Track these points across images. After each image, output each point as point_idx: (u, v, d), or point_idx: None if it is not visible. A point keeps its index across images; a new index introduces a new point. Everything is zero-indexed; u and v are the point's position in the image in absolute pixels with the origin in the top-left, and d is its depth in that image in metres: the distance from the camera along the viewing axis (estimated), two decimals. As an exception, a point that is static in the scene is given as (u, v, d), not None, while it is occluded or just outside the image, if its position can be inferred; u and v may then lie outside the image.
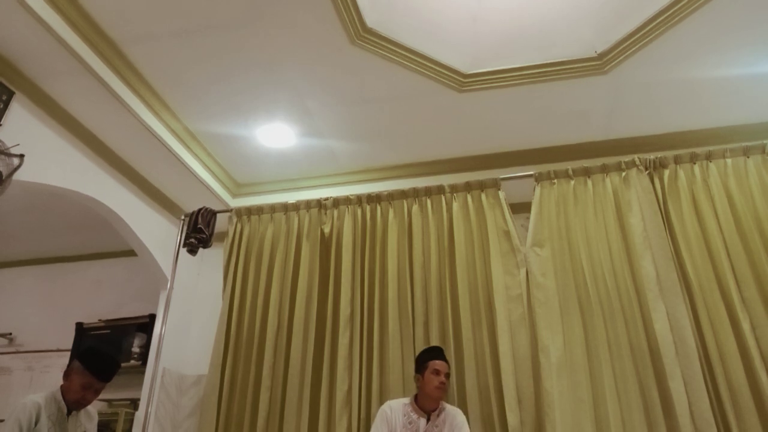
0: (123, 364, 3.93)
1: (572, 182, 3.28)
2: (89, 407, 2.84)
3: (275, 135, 3.88)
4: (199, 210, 3.68)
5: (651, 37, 3.08)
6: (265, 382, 3.20)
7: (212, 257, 4.30)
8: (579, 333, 2.93)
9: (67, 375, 2.74)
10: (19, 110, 3.06)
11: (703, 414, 2.60)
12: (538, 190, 3.31)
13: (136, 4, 2.87)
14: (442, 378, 2.75)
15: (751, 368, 2.65)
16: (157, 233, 4.17)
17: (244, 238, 3.67)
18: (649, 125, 3.79)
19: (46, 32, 2.77)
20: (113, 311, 4.96)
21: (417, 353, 2.98)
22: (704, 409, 2.61)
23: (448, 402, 2.91)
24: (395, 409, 2.78)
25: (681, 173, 3.14)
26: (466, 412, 2.88)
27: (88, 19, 2.94)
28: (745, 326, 2.72)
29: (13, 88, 3.01)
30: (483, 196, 3.37)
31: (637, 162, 3.21)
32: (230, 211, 3.82)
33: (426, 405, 2.78)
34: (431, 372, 2.76)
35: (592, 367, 2.86)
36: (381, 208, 3.52)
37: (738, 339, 2.72)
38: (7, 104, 2.98)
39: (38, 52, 2.91)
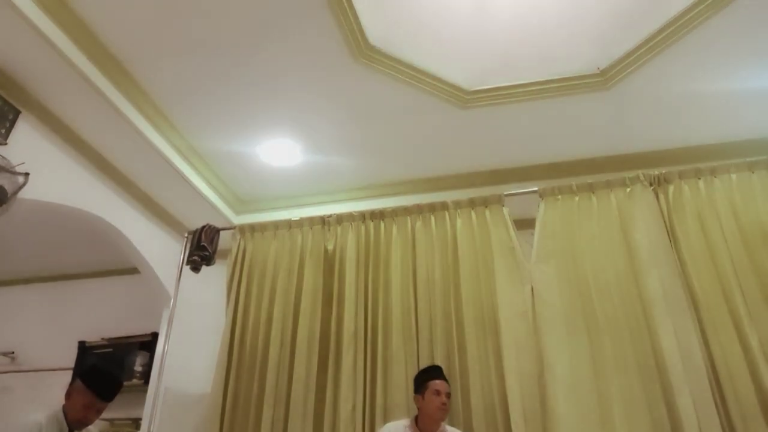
0: (125, 383, 3.90)
1: (576, 198, 3.27)
2: (91, 427, 2.81)
3: (279, 152, 3.89)
4: (203, 227, 3.68)
5: (654, 53, 3.10)
6: (269, 400, 3.17)
7: (215, 275, 4.28)
8: (585, 350, 2.90)
9: (69, 394, 2.72)
10: (24, 128, 3.08)
11: (713, 431, 2.57)
12: (542, 206, 3.30)
13: (140, 23, 2.90)
14: (443, 399, 2.67)
15: (760, 384, 2.62)
16: (160, 250, 4.16)
17: (248, 256, 3.66)
18: (653, 140, 3.79)
19: (52, 51, 2.79)
20: (116, 329, 4.95)
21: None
22: (713, 426, 2.57)
23: (454, 420, 2.87)
24: None
25: (686, 189, 3.13)
26: (471, 431, 2.85)
27: (93, 37, 2.97)
28: (753, 342, 2.69)
29: (19, 107, 3.03)
30: (487, 212, 3.36)
31: (642, 178, 3.20)
32: (234, 228, 3.81)
33: (427, 427, 2.69)
34: (432, 393, 2.67)
35: (599, 384, 2.82)
36: (384, 225, 3.51)
37: (746, 355, 2.69)
38: (13, 123, 3.00)
39: (44, 70, 2.94)
